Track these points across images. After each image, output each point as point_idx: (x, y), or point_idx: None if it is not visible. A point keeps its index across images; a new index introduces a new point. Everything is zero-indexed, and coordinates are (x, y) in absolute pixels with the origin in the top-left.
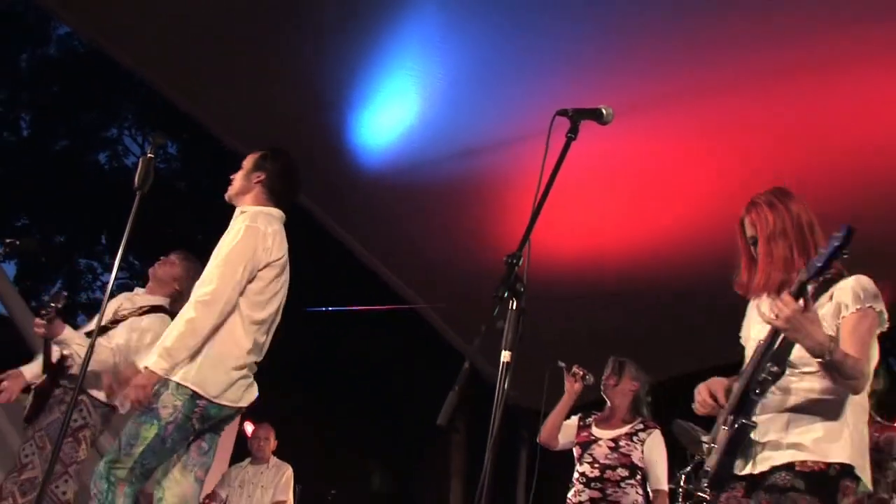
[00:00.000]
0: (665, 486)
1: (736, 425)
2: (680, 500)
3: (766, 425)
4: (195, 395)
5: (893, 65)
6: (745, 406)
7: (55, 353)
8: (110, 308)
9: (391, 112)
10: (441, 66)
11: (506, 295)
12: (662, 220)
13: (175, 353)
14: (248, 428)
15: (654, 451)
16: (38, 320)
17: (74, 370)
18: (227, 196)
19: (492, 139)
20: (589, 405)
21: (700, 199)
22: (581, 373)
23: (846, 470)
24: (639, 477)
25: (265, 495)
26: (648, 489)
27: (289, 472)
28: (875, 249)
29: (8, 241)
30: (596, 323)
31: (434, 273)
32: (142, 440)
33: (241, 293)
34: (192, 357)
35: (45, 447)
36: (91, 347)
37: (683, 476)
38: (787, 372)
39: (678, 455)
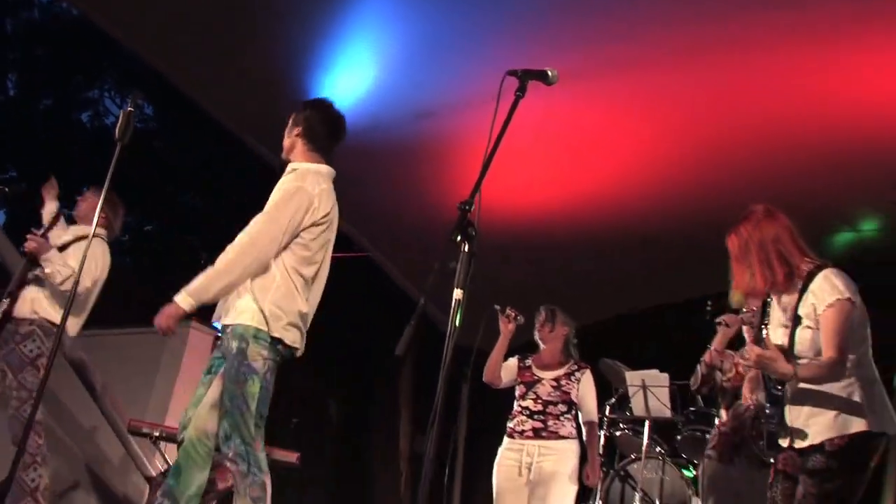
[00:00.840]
0: (595, 418)
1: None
2: (605, 426)
3: (792, 410)
4: (275, 342)
5: (799, 44)
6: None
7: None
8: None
9: (349, 77)
10: (395, 34)
11: (458, 238)
12: (597, 178)
13: (201, 291)
14: None
15: (587, 388)
16: (31, 236)
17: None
18: (282, 156)
19: (444, 102)
20: (522, 347)
21: (630, 160)
22: (514, 314)
23: (867, 435)
24: (574, 412)
25: None
26: (580, 421)
27: None
28: (783, 202)
29: (12, 185)
30: (532, 272)
31: (390, 225)
32: (251, 397)
33: (285, 248)
34: (262, 311)
35: (7, 373)
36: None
37: (609, 406)
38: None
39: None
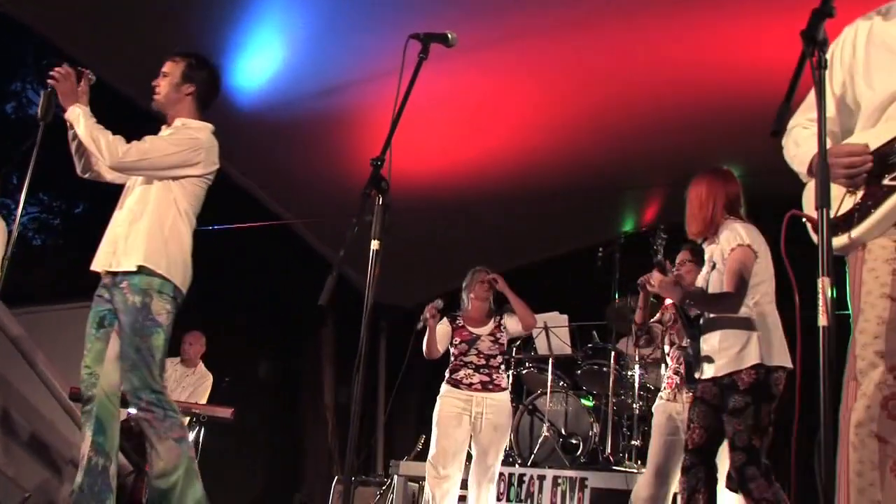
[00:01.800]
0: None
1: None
2: (512, 366)
3: (705, 344)
4: (176, 293)
5: (670, 14)
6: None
7: None
8: None
9: (260, 58)
10: (299, 14)
11: (372, 191)
12: (495, 141)
13: (90, 124)
14: None
15: (509, 320)
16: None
17: None
18: (155, 105)
19: (349, 77)
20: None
21: (522, 127)
22: (434, 309)
23: (766, 369)
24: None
25: (183, 394)
26: (520, 328)
27: (209, 380)
28: (660, 158)
29: None
30: (440, 229)
31: (304, 193)
32: (157, 349)
33: (176, 188)
34: (165, 257)
35: None
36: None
37: (515, 348)
38: None
39: None
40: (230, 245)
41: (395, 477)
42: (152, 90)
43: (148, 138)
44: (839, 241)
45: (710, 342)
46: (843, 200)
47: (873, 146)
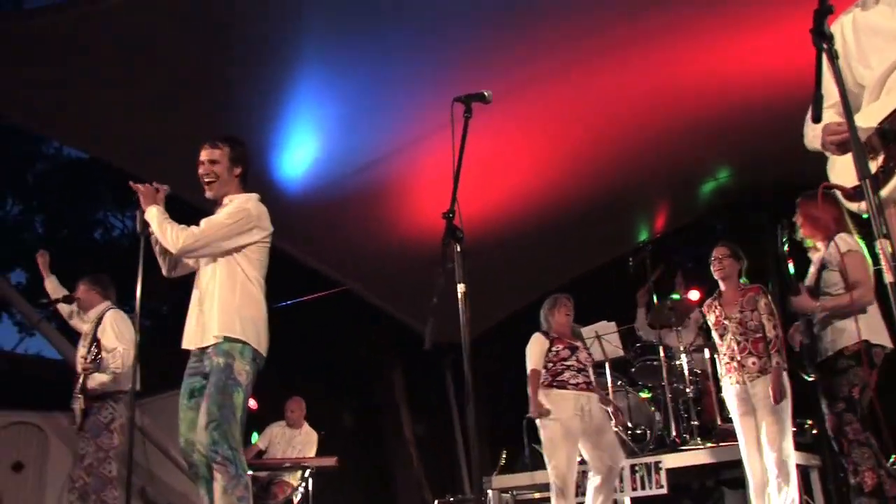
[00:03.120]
0: None
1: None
2: None
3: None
4: (256, 356)
5: (660, 39)
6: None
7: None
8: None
9: (301, 149)
10: (330, 105)
11: (451, 241)
12: (516, 181)
13: (162, 222)
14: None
15: None
16: (85, 367)
17: (96, 383)
18: (211, 194)
19: (379, 151)
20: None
21: (541, 162)
22: None
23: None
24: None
25: (293, 452)
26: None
27: (315, 437)
28: (662, 168)
29: (55, 299)
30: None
31: (358, 259)
32: (238, 408)
33: (239, 259)
34: (242, 326)
35: (91, 441)
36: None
37: None
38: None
39: None
40: (301, 317)
41: (490, 492)
42: (203, 181)
43: (204, 220)
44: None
45: (827, 334)
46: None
47: (881, 116)
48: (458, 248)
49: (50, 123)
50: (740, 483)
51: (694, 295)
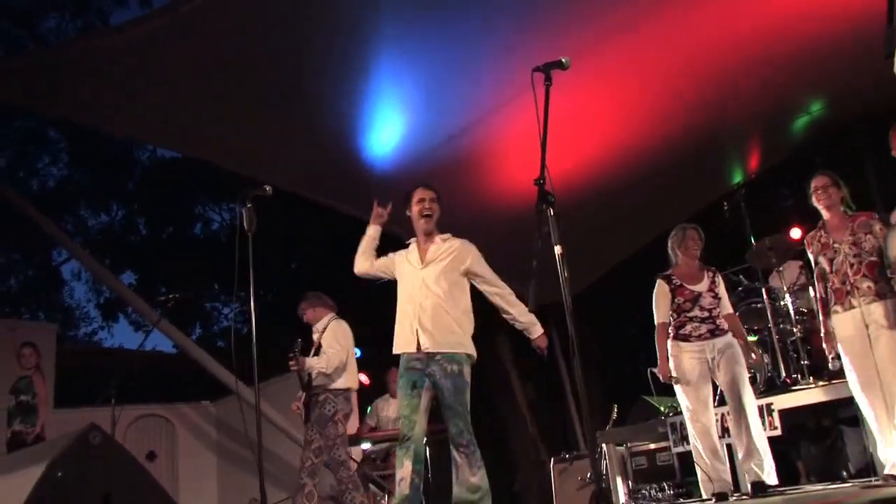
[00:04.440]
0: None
1: None
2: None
3: None
4: (471, 357)
5: None
6: None
7: (304, 377)
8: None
9: (389, 127)
10: (411, 82)
11: (544, 206)
12: (604, 138)
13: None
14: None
15: (722, 287)
16: (291, 361)
17: (319, 381)
18: (429, 226)
19: (463, 120)
20: None
21: (631, 115)
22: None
23: None
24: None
25: None
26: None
27: None
28: (752, 107)
29: (171, 296)
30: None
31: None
32: (468, 402)
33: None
34: (469, 342)
35: (318, 431)
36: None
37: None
38: None
39: None
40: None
41: (604, 445)
42: (428, 212)
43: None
44: None
45: None
46: None
47: None
48: (552, 212)
49: (146, 129)
50: (858, 420)
51: (796, 233)
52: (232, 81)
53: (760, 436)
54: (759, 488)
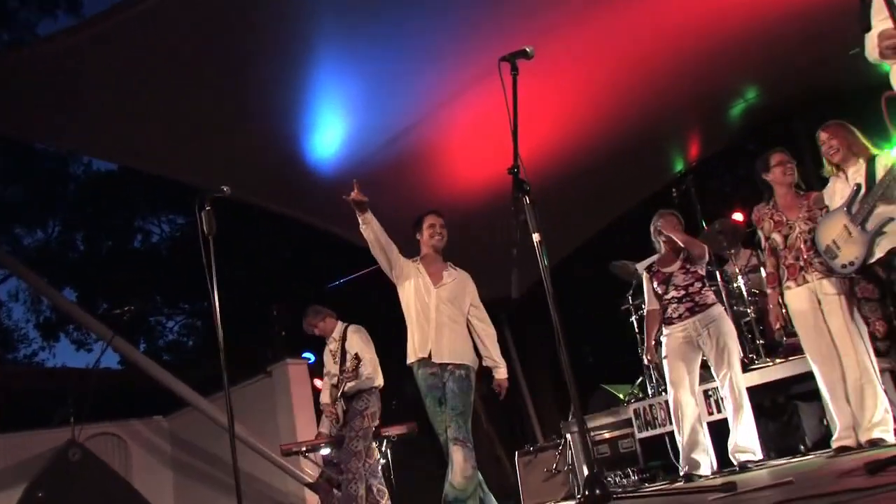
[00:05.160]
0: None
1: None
2: (633, 312)
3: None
4: (474, 369)
5: None
6: None
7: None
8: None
9: (331, 130)
10: (349, 85)
11: (520, 195)
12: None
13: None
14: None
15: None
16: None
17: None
18: (439, 246)
19: (405, 121)
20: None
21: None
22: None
23: None
24: (706, 283)
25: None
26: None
27: None
28: (693, 93)
29: (126, 308)
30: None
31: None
32: (470, 404)
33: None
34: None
35: (348, 424)
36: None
37: (630, 296)
38: None
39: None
40: (356, 294)
41: (568, 435)
42: (440, 236)
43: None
44: None
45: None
46: None
47: None
48: (528, 200)
49: (79, 141)
50: (813, 395)
51: (738, 216)
52: (170, 88)
53: (747, 409)
54: (743, 467)
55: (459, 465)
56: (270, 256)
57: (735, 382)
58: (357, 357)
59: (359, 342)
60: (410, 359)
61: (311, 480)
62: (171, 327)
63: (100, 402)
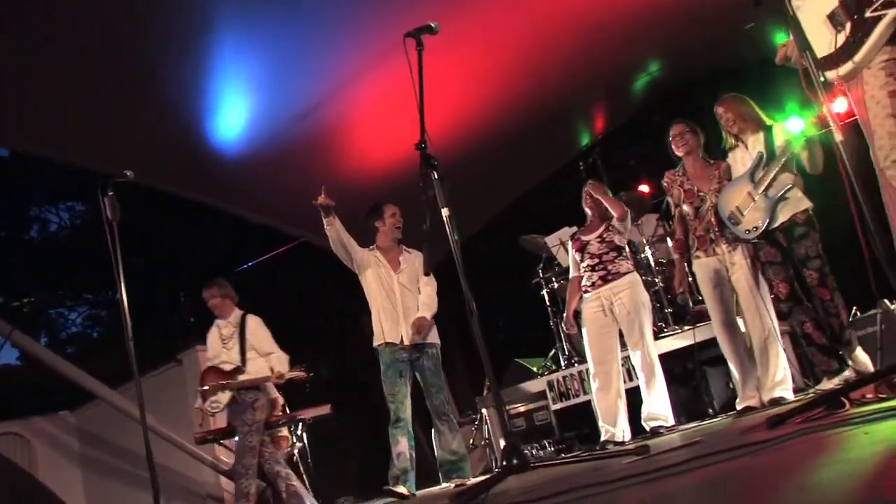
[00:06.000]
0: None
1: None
2: (544, 285)
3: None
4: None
5: None
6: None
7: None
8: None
9: (235, 111)
10: (253, 62)
11: (427, 170)
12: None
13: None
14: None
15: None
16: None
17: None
18: (398, 236)
19: (313, 97)
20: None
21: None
22: None
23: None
24: (625, 252)
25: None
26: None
27: None
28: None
29: (25, 301)
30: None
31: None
32: (444, 379)
33: None
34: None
35: (239, 417)
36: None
37: (540, 270)
38: None
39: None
40: (266, 277)
41: (484, 410)
42: (398, 228)
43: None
44: (845, 68)
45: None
46: (836, 38)
47: None
48: (436, 175)
49: None
50: (719, 360)
51: (644, 188)
52: (66, 71)
53: (659, 377)
54: (655, 433)
55: (448, 436)
56: (175, 242)
57: (646, 352)
58: (280, 376)
59: (262, 334)
60: (378, 342)
61: (225, 468)
62: (73, 319)
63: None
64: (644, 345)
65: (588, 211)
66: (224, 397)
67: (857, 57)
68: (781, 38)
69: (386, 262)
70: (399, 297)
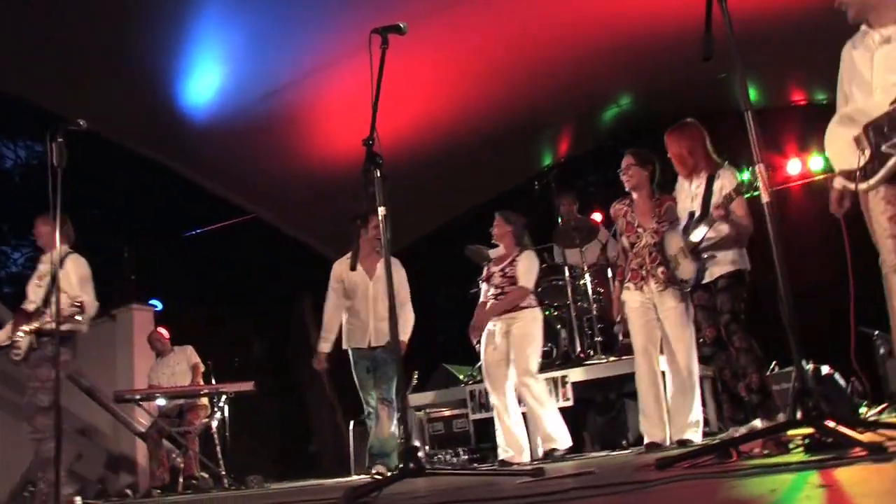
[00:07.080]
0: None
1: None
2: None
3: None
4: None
5: None
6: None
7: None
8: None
9: (207, 76)
10: (233, 31)
11: (371, 167)
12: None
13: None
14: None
15: (523, 264)
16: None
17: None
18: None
19: (285, 77)
20: None
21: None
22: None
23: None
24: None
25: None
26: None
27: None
28: (566, 96)
29: None
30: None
31: (268, 186)
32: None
33: None
34: None
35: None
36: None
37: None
38: None
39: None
40: (211, 246)
41: (405, 410)
42: (379, 240)
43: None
44: (863, 185)
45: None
46: (859, 157)
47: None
48: (379, 174)
49: None
50: None
51: (597, 217)
52: (38, 13)
53: (545, 406)
54: (548, 454)
55: (384, 422)
56: (129, 198)
57: (530, 390)
58: (79, 305)
59: (81, 273)
60: (347, 345)
61: (142, 430)
62: (16, 259)
63: None
64: (527, 382)
65: (498, 242)
66: (24, 342)
67: (873, 181)
68: (754, 95)
69: (363, 269)
70: (371, 304)
